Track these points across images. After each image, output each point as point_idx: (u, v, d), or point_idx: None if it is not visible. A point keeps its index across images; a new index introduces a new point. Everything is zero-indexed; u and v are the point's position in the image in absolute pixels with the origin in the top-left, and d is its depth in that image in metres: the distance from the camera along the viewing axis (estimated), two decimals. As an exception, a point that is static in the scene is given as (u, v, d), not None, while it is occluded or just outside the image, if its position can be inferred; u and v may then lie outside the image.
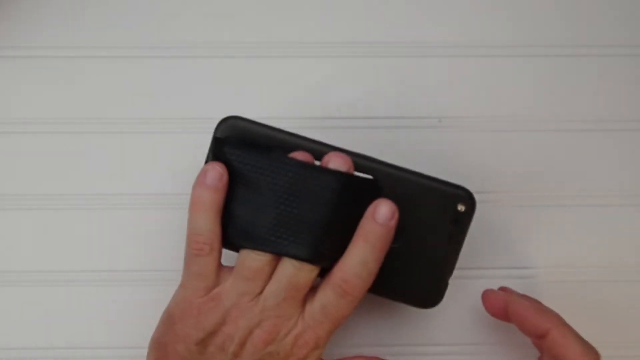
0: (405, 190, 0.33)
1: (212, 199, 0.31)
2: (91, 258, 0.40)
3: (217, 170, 0.32)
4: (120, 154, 0.40)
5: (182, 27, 0.41)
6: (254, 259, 0.31)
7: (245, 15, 0.41)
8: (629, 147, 0.41)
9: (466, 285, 0.39)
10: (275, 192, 0.31)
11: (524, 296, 0.36)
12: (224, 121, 0.34)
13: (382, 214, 0.31)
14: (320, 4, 0.42)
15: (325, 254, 0.31)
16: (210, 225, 0.32)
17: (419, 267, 0.34)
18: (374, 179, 0.33)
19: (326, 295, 0.31)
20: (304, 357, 0.32)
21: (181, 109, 0.41)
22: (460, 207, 0.34)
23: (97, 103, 0.41)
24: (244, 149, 0.32)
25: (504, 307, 0.35)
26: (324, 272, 0.32)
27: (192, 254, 0.32)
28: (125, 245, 0.39)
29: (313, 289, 0.32)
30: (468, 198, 0.34)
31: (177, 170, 0.40)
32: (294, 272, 0.31)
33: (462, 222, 0.34)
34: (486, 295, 0.37)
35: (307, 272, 0.31)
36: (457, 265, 0.38)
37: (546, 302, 0.39)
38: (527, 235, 0.40)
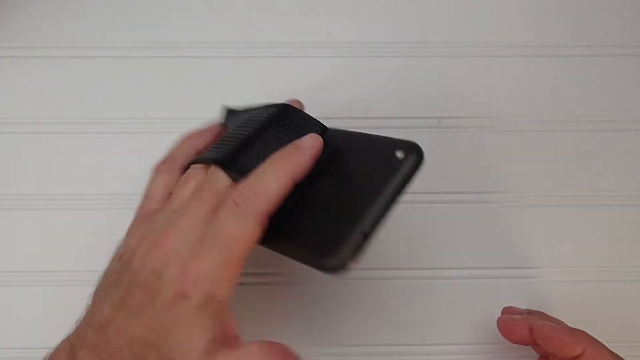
0: (347, 142, 0.31)
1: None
2: (92, 258, 0.39)
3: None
4: (121, 154, 0.40)
5: (182, 28, 0.41)
6: (191, 168, 0.32)
7: (245, 16, 0.41)
8: (629, 147, 0.41)
9: (466, 285, 0.39)
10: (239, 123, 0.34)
11: (536, 315, 0.36)
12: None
13: (303, 140, 0.30)
14: (320, 4, 0.42)
15: (237, 165, 0.30)
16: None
17: (337, 212, 0.28)
18: (323, 125, 0.32)
19: (222, 211, 0.28)
20: (190, 294, 0.27)
21: (182, 109, 0.41)
22: (400, 155, 0.29)
23: (97, 103, 0.41)
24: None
25: (526, 332, 0.34)
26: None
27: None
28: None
29: None
30: (410, 146, 0.29)
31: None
32: (203, 174, 0.31)
33: (397, 169, 0.28)
34: (504, 324, 0.36)
35: (215, 176, 0.30)
36: (459, 265, 0.38)
37: (547, 302, 0.39)
38: (528, 235, 0.40)
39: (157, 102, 0.41)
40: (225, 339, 0.26)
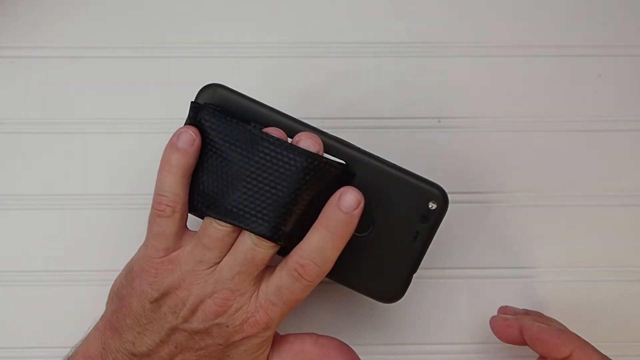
0: (378, 181, 0.33)
1: (181, 161, 0.31)
2: (91, 258, 0.40)
3: (190, 135, 0.32)
4: (121, 154, 0.40)
5: (182, 28, 0.41)
6: (215, 228, 0.31)
7: (243, 16, 0.41)
8: (629, 147, 0.41)
9: (466, 284, 0.39)
10: (245, 166, 0.31)
11: (532, 315, 0.36)
12: (206, 88, 0.34)
13: (346, 201, 0.31)
14: (320, 4, 0.42)
15: (286, 234, 0.31)
16: (174, 187, 0.31)
17: (382, 260, 0.34)
18: (345, 164, 0.33)
19: (281, 277, 0.31)
20: (253, 336, 0.32)
21: (182, 110, 0.41)
22: (432, 205, 0.33)
23: (97, 103, 0.41)
24: (219, 118, 0.32)
25: (517, 333, 0.34)
26: (286, 252, 0.32)
27: (154, 213, 0.32)
28: (125, 244, 0.39)
29: (271, 269, 0.32)
30: (441, 196, 0.33)
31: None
32: (251, 247, 0.31)
33: (431, 220, 0.33)
34: (496, 324, 0.36)
35: (264, 249, 0.31)
36: (459, 265, 0.38)
37: (546, 302, 0.39)
38: (527, 235, 0.40)
39: (157, 103, 0.41)
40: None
